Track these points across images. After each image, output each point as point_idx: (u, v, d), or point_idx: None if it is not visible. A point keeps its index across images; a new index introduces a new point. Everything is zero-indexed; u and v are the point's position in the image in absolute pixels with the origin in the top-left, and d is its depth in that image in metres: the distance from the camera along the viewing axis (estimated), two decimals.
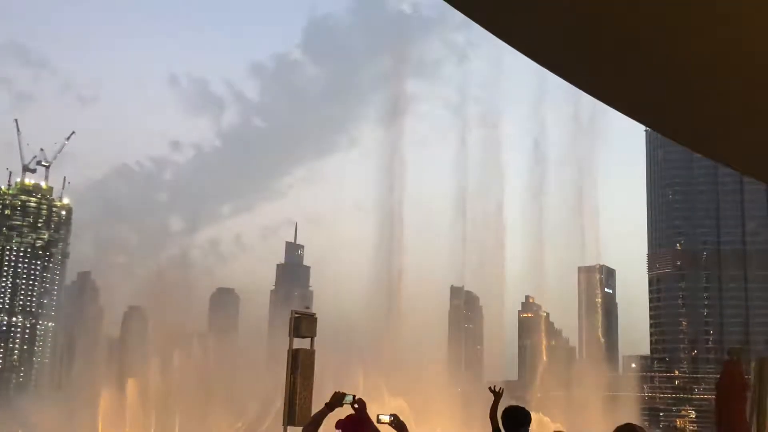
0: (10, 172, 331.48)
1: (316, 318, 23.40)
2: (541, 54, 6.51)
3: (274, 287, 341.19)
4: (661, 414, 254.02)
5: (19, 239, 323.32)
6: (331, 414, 9.52)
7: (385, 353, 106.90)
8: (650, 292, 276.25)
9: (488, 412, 11.31)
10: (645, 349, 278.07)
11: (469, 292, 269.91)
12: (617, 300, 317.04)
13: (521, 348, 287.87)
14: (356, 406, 9.28)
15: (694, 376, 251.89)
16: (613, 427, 7.39)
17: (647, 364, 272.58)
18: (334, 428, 9.66)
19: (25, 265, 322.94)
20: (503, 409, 10.64)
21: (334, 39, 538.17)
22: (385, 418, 9.45)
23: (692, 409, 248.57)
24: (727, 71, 6.03)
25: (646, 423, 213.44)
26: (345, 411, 9.39)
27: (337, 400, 9.32)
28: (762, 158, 7.99)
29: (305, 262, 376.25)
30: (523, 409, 10.67)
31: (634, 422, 7.86)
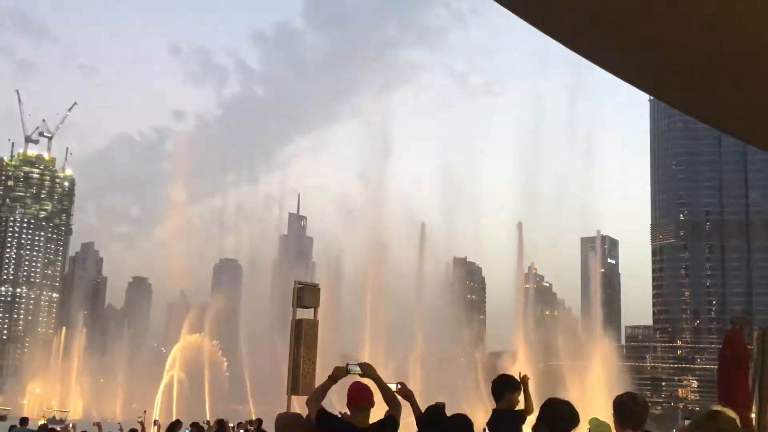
0: (13, 143, 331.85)
1: (319, 289, 23.45)
2: (545, 21, 6.44)
3: (276, 258, 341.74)
4: (663, 384, 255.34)
5: (22, 210, 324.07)
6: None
7: (386, 324, 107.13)
8: (653, 262, 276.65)
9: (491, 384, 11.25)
10: (647, 320, 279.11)
11: (471, 263, 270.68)
12: (620, 270, 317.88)
13: (524, 318, 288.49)
14: (360, 372, 9.29)
15: (697, 346, 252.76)
16: (614, 397, 7.39)
17: (650, 334, 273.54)
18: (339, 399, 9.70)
19: (29, 237, 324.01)
20: (493, 378, 10.68)
21: (337, 6, 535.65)
22: (392, 386, 9.49)
23: (694, 379, 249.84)
24: (733, 36, 5.97)
25: (647, 393, 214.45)
26: (352, 380, 9.41)
27: (339, 373, 9.32)
28: (767, 126, 7.94)
29: (308, 233, 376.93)
30: (511, 377, 10.73)
31: (634, 392, 7.87)
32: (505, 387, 10.47)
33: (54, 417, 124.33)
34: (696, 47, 6.14)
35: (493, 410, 10.45)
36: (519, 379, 11.07)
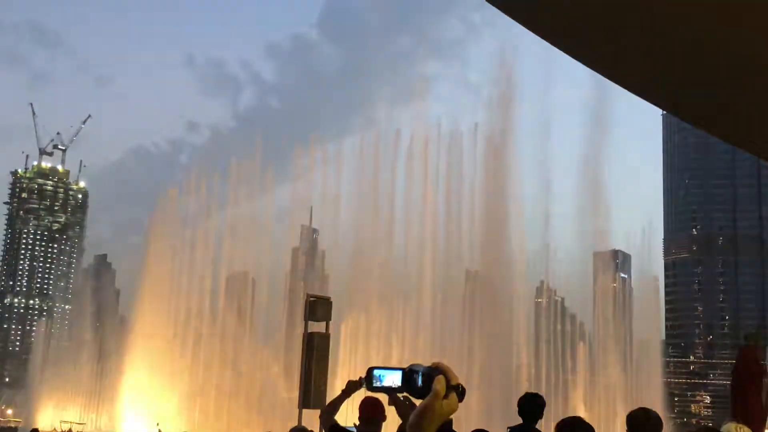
0: (27, 156, 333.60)
1: (331, 302, 23.48)
2: (558, 36, 6.46)
3: (289, 271, 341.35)
4: (676, 399, 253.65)
5: (36, 222, 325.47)
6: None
7: (398, 338, 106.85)
8: (666, 277, 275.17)
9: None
10: (660, 335, 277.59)
11: (484, 278, 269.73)
12: (632, 285, 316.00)
13: (536, 333, 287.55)
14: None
15: (710, 361, 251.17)
16: (628, 412, 7.38)
17: (662, 349, 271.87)
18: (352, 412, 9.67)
19: (42, 248, 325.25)
20: (519, 397, 10.51)
21: (351, 18, 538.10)
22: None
23: (707, 395, 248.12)
24: (747, 55, 5.98)
25: (659, 408, 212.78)
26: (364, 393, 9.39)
27: (351, 387, 9.32)
28: None
29: (321, 246, 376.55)
30: (539, 397, 10.57)
31: (648, 407, 7.84)
32: (535, 407, 10.31)
33: (71, 430, 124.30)
34: (712, 65, 6.16)
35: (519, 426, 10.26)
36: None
